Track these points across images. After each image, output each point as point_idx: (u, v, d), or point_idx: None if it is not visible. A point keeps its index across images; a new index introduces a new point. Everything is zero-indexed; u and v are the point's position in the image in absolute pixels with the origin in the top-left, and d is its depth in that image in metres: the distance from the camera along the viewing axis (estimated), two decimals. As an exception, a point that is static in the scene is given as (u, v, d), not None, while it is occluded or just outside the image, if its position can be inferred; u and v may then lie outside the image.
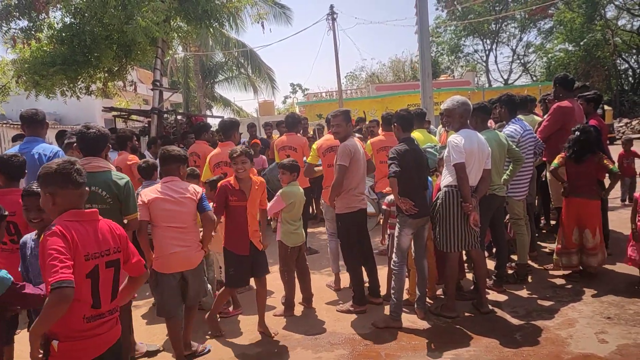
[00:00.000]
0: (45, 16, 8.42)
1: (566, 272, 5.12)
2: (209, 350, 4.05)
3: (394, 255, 4.41)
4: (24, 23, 8.58)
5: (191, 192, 3.71)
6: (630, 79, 31.57)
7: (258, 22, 10.79)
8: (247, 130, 9.62)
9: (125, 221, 3.46)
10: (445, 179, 4.30)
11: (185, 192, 3.67)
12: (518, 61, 37.27)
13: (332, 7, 21.57)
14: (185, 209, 3.66)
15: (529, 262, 5.36)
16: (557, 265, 5.09)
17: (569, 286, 4.93)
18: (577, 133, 4.90)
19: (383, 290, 4.92)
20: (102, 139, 3.46)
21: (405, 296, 4.65)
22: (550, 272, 5.31)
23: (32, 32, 8.42)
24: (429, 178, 4.71)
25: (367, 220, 4.94)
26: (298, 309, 4.80)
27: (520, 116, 5.42)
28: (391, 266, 4.47)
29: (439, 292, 4.92)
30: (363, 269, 4.84)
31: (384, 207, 4.94)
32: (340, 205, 4.69)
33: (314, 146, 5.42)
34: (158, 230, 3.65)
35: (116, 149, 6.38)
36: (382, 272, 5.06)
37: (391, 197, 4.83)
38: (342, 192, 4.64)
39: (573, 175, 4.99)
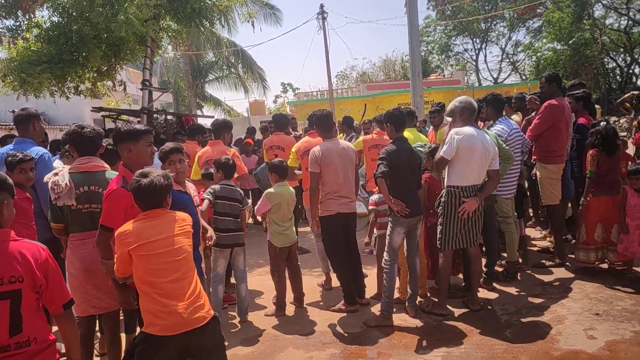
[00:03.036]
0: (32, 15, 8.33)
1: (564, 269, 5.15)
2: None
3: (385, 254, 4.42)
4: (10, 22, 8.50)
5: None
6: (618, 77, 31.91)
7: (248, 22, 10.78)
8: (246, 133, 9.80)
9: None
10: (447, 178, 4.33)
11: None
12: (507, 60, 37.57)
13: (322, 6, 21.56)
14: None
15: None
16: (577, 259, 5.12)
17: (558, 283, 4.98)
18: (604, 123, 4.91)
19: (373, 290, 4.93)
20: (98, 138, 3.42)
21: (396, 295, 4.66)
22: (540, 269, 5.35)
23: (19, 32, 8.33)
24: None
25: (354, 223, 4.86)
26: (289, 309, 4.80)
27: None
28: (382, 265, 4.49)
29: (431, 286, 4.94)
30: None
31: (370, 207, 4.94)
32: (321, 209, 4.69)
33: (293, 149, 5.40)
34: None
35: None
36: (372, 272, 5.07)
37: (376, 196, 4.84)
38: (321, 196, 4.65)
39: (606, 171, 4.94)
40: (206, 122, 11.63)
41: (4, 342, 1.97)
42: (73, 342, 2.25)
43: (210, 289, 4.46)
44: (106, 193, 3.00)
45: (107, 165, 3.50)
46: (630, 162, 5.22)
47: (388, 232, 4.39)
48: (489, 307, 4.53)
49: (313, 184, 4.60)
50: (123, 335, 3.96)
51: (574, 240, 5.61)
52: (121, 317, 3.66)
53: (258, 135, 10.60)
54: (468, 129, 4.21)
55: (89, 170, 3.31)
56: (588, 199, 5.06)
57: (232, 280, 5.09)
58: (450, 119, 4.56)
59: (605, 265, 5.17)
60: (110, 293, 3.29)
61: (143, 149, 3.13)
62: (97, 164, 3.37)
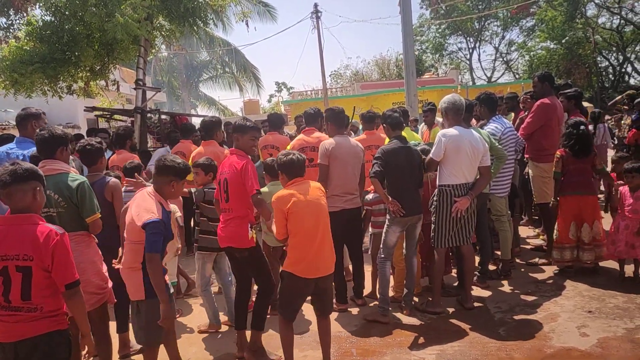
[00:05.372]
0: (25, 14, 8.29)
1: (557, 268, 5.19)
2: None
3: (380, 251, 4.45)
4: (2, 21, 8.46)
5: (141, 212, 3.08)
6: (610, 76, 32.07)
7: (242, 21, 10.78)
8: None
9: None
10: (439, 178, 4.35)
11: (136, 208, 3.13)
12: (501, 59, 37.62)
13: (316, 5, 21.57)
14: (128, 222, 3.16)
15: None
16: (550, 258, 5.14)
17: (551, 281, 5.01)
18: (581, 127, 4.94)
19: (367, 290, 4.94)
20: (53, 140, 3.30)
21: (391, 293, 4.68)
22: (533, 268, 5.39)
23: (11, 31, 8.29)
24: None
25: (358, 217, 4.82)
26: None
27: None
28: (377, 262, 4.52)
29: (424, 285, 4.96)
30: (350, 267, 4.86)
31: (365, 207, 4.96)
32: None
33: (288, 147, 5.40)
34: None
35: (115, 147, 6.27)
36: (367, 270, 5.08)
37: (371, 195, 4.86)
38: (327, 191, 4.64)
39: (573, 171, 4.98)
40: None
41: (17, 303, 2.38)
42: (79, 317, 2.53)
43: (203, 297, 4.45)
44: (241, 166, 3.74)
45: (68, 168, 3.37)
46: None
47: (384, 229, 4.41)
48: (483, 305, 4.56)
49: (322, 176, 4.61)
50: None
51: None
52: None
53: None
54: (453, 130, 4.26)
55: (44, 175, 3.21)
56: (559, 198, 5.09)
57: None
58: (440, 120, 4.60)
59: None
60: None
61: (250, 141, 3.96)
62: (53, 167, 3.26)
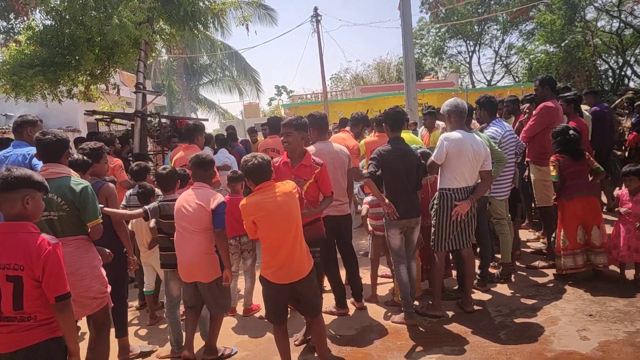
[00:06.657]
0: (25, 18, 8.31)
1: (557, 271, 5.17)
2: (236, 352, 4.11)
3: (390, 258, 4.44)
4: (2, 25, 8.47)
5: (205, 200, 3.77)
6: (610, 79, 32.06)
7: (242, 25, 10.77)
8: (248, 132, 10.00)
9: (88, 229, 3.31)
10: (440, 181, 4.35)
11: (198, 199, 3.78)
12: (500, 62, 37.65)
13: (316, 9, 21.63)
14: (191, 214, 3.75)
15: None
16: (560, 267, 4.97)
17: (551, 285, 5.00)
18: (571, 132, 4.93)
19: (366, 293, 4.93)
20: (58, 144, 3.29)
21: (391, 297, 4.67)
22: (533, 271, 5.38)
23: (12, 34, 8.31)
24: None
25: (347, 225, 4.74)
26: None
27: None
28: (391, 269, 4.51)
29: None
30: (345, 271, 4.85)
31: (364, 205, 4.96)
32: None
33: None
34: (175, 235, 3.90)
35: None
36: (367, 274, 5.08)
37: (369, 198, 4.86)
38: None
39: (573, 174, 4.94)
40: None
41: (9, 314, 2.35)
42: (68, 332, 2.46)
43: (168, 319, 4.15)
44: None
45: (71, 172, 3.36)
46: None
47: (385, 234, 4.41)
48: (483, 308, 4.55)
49: None
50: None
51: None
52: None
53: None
54: (455, 134, 4.25)
55: (47, 178, 3.10)
56: (564, 202, 5.04)
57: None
58: (441, 123, 4.59)
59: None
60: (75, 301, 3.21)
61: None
62: (56, 170, 3.25)
